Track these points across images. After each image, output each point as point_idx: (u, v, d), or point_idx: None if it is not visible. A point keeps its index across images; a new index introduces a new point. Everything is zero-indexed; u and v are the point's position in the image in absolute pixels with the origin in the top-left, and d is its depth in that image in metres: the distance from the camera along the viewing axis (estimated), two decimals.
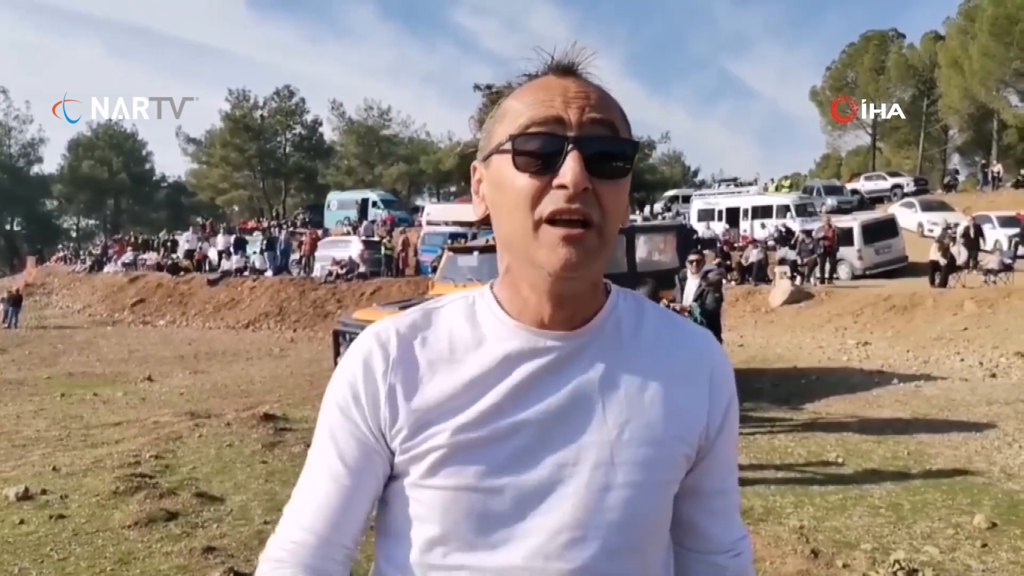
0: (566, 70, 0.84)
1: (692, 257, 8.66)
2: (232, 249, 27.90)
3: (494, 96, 0.89)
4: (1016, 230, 19.08)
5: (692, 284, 8.06)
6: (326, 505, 0.87)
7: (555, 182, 0.78)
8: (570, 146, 0.78)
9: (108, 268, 32.71)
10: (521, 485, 0.83)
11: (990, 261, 16.71)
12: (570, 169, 0.77)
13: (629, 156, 0.82)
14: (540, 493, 0.83)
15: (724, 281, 8.52)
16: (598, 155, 0.79)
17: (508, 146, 0.81)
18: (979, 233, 18.26)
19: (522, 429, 0.84)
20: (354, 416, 0.87)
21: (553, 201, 0.78)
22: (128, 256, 32.74)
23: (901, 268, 19.26)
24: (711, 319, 7.51)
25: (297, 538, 0.87)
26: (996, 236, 19.08)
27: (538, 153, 0.79)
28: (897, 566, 4.01)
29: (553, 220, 0.78)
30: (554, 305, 0.85)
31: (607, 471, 0.84)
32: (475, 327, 0.88)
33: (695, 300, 7.87)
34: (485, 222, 0.90)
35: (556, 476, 0.84)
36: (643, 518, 0.86)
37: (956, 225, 19.76)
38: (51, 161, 79.94)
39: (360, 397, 0.87)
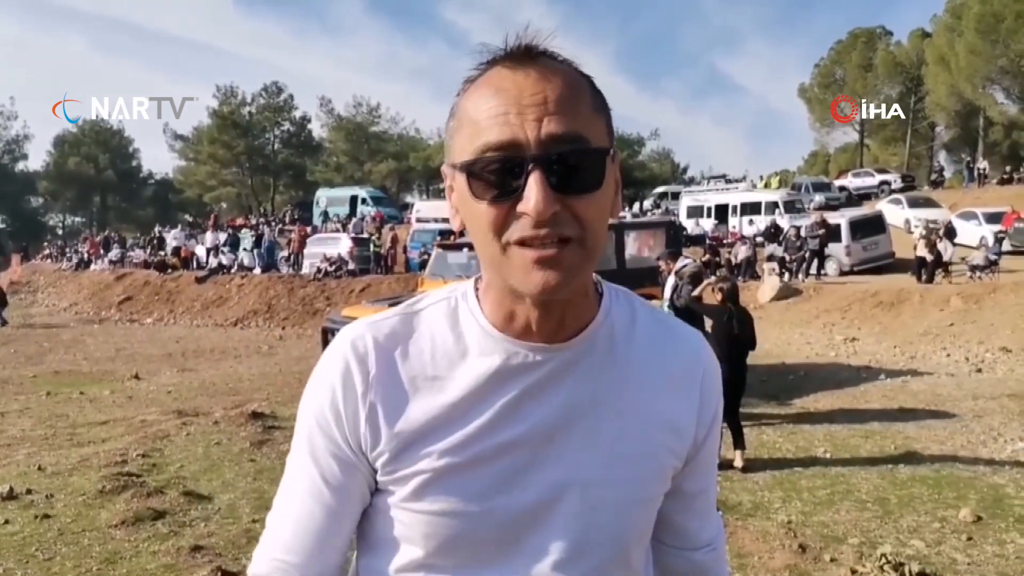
0: (520, 59, 0.75)
1: (660, 262, 8.47)
2: (224, 247, 27.71)
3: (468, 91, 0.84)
4: (1000, 226, 19.23)
5: (670, 282, 7.93)
6: (309, 525, 0.84)
7: (519, 208, 0.70)
8: (530, 166, 0.70)
9: (95, 266, 32.46)
10: (511, 507, 0.81)
11: (976, 257, 16.84)
12: (532, 195, 0.69)
13: (599, 166, 0.74)
14: (531, 514, 0.81)
15: (703, 273, 8.02)
16: (565, 172, 0.71)
17: (464, 171, 0.74)
18: (950, 233, 18.34)
19: (512, 450, 0.80)
20: (333, 434, 0.83)
21: (520, 228, 0.71)
22: (115, 253, 32.50)
23: (888, 264, 19.40)
24: (685, 315, 6.99)
25: (281, 556, 0.85)
26: (982, 232, 19.22)
27: (495, 181, 0.72)
28: (884, 560, 4.04)
29: (523, 243, 0.72)
30: (541, 316, 0.79)
31: (599, 490, 0.82)
32: (458, 337, 0.83)
33: (670, 297, 7.65)
34: None
35: (548, 496, 0.81)
36: (633, 533, 0.86)
37: (935, 222, 19.87)
38: (36, 158, 79.27)
39: (340, 415, 0.82)
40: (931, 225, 18.94)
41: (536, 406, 0.81)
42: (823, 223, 19.00)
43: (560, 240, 0.71)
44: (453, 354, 0.83)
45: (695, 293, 7.28)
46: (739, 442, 6.18)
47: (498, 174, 0.71)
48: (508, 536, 0.81)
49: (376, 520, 0.86)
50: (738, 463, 6.08)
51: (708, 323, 6.67)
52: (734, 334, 6.27)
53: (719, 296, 6.53)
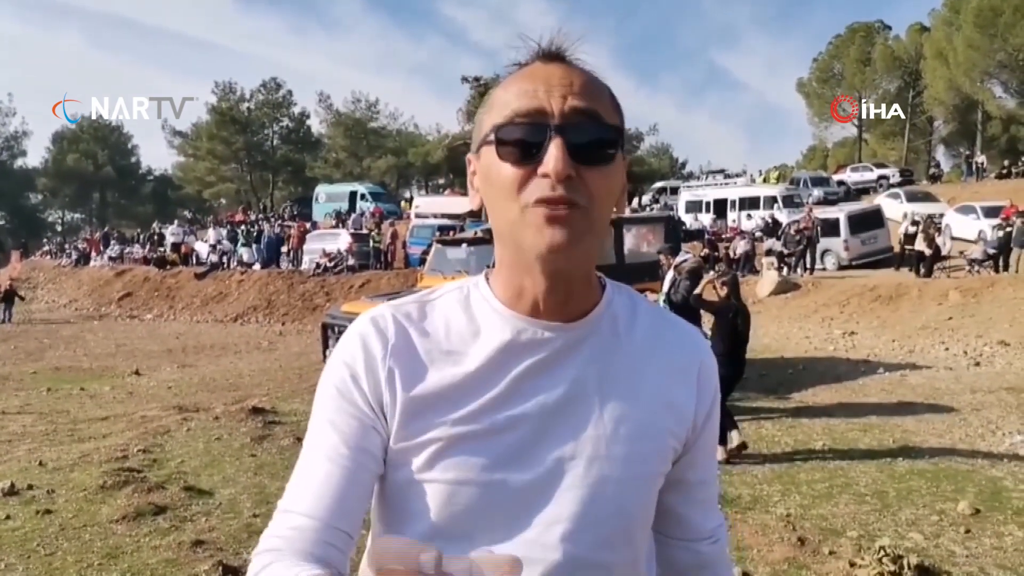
0: (553, 56, 0.84)
1: (660, 256, 8.56)
2: (227, 242, 27.71)
3: (482, 88, 0.89)
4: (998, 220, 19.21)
5: (668, 277, 7.94)
6: (326, 487, 0.83)
7: (539, 170, 0.78)
8: (552, 134, 0.78)
9: (94, 262, 32.47)
10: (519, 479, 0.84)
11: (974, 251, 16.86)
12: (552, 157, 0.77)
13: (613, 141, 0.82)
14: (537, 487, 0.84)
15: (702, 268, 8.07)
16: (581, 142, 0.79)
17: (492, 137, 0.81)
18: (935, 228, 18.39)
19: (520, 423, 0.84)
20: (354, 396, 0.86)
21: (538, 188, 0.78)
22: (115, 249, 32.51)
23: (886, 258, 19.43)
24: (682, 310, 6.97)
25: (295, 523, 0.82)
26: (980, 227, 19.22)
27: (521, 143, 0.79)
28: (882, 552, 4.05)
29: (539, 203, 0.79)
30: (548, 289, 0.85)
31: (602, 465, 0.85)
32: (471, 318, 0.89)
33: (667, 292, 7.67)
34: (474, 214, 0.90)
35: (553, 470, 0.85)
36: (635, 509, 0.88)
37: (928, 217, 19.87)
38: (35, 154, 79.38)
39: (360, 377, 0.86)
40: (917, 219, 18.99)
41: (544, 382, 0.86)
42: (808, 218, 19.10)
43: (572, 205, 0.78)
44: (466, 332, 0.88)
45: (697, 291, 7.23)
46: (721, 437, 6.22)
47: (523, 140, 0.80)
48: (517, 507, 0.84)
49: (390, 497, 0.89)
50: (719, 456, 6.14)
51: (705, 318, 6.70)
52: (739, 330, 6.32)
53: (723, 291, 6.54)
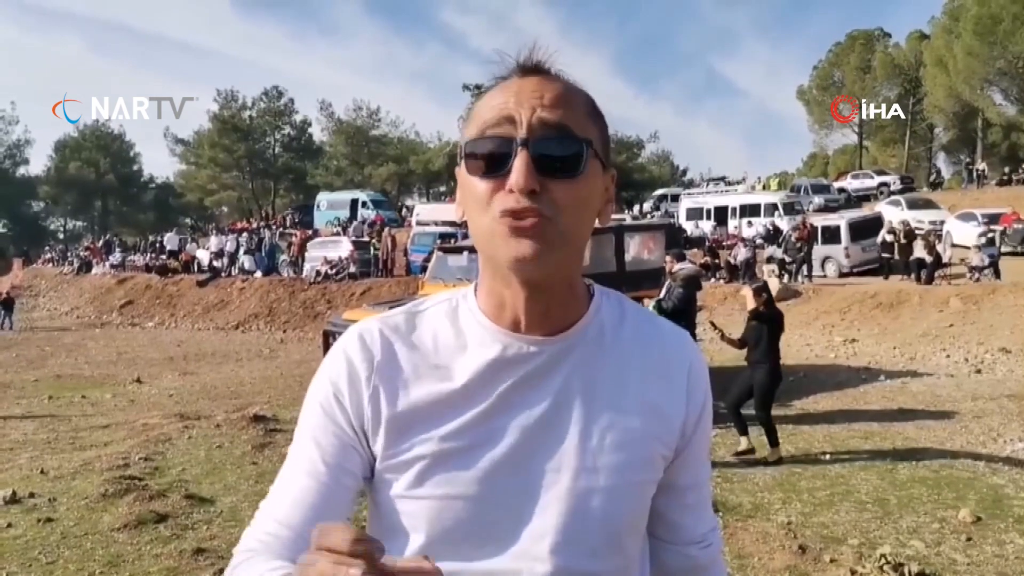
0: (530, 70, 0.85)
1: (668, 257, 8.66)
2: (231, 249, 27.76)
3: (481, 96, 0.90)
4: (999, 228, 19.22)
5: (666, 284, 7.99)
6: (303, 501, 0.86)
7: (507, 184, 0.79)
8: (518, 147, 0.79)
9: (96, 270, 32.54)
10: (507, 492, 0.85)
11: (975, 258, 16.86)
12: (515, 171, 0.78)
13: (579, 154, 0.81)
14: (525, 499, 0.85)
15: (699, 277, 8.18)
16: (548, 156, 0.79)
17: (464, 151, 0.83)
18: (910, 235, 18.36)
19: (507, 436, 0.85)
20: (336, 416, 0.87)
21: (504, 201, 0.79)
22: (116, 257, 32.58)
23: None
24: (674, 317, 6.98)
25: (272, 530, 0.86)
26: (980, 233, 19.21)
27: (488, 157, 0.81)
28: (883, 560, 4.05)
29: (505, 215, 0.80)
30: (526, 299, 0.85)
31: (589, 475, 0.86)
32: (458, 332, 0.89)
33: (659, 299, 7.68)
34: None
35: (540, 482, 0.85)
36: (624, 518, 0.89)
37: (906, 223, 19.90)
38: (37, 162, 79.52)
39: (343, 397, 0.87)
40: (893, 227, 19.04)
41: (530, 395, 0.86)
42: (803, 226, 19.13)
43: (538, 216, 0.79)
44: (453, 347, 0.89)
45: (750, 307, 7.13)
46: (772, 439, 6.49)
47: (492, 153, 0.81)
48: (506, 521, 0.85)
49: (383, 510, 0.89)
50: (771, 457, 6.40)
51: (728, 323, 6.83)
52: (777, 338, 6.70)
53: (763, 298, 6.68)
